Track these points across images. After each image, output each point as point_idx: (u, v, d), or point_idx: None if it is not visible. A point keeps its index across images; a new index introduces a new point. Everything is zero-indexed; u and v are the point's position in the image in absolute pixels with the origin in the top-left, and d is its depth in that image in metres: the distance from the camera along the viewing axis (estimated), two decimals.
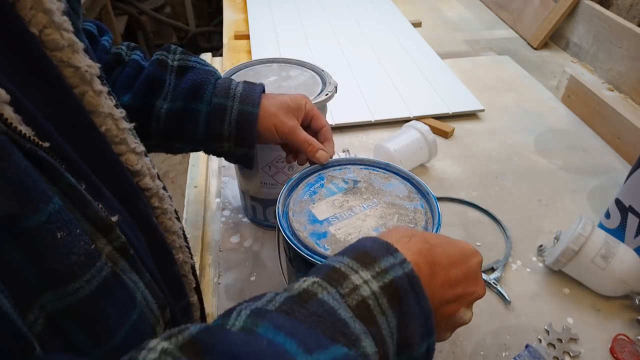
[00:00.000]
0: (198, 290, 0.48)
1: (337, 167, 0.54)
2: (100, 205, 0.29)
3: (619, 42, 1.06)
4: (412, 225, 0.45)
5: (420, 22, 1.42)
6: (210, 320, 0.60)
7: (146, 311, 0.33)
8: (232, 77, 0.65)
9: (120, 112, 0.35)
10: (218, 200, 0.79)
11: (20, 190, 0.23)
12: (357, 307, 0.29)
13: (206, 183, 0.83)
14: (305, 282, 0.31)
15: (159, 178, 0.41)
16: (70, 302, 0.26)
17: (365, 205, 0.48)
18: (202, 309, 0.50)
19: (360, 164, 0.54)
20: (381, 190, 0.50)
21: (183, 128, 0.53)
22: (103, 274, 0.28)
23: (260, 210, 0.71)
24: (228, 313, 0.29)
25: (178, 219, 0.44)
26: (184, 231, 0.46)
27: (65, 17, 0.31)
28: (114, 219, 0.30)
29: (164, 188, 0.42)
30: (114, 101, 0.36)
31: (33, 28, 0.29)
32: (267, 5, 1.44)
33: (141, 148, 0.38)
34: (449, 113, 0.97)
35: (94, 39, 0.53)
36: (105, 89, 0.34)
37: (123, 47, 0.55)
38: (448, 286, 0.35)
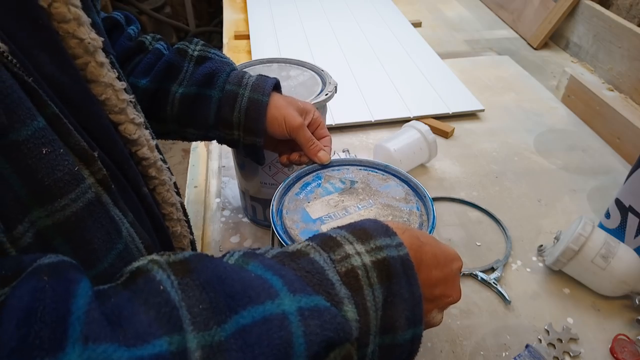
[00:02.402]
0: None
1: (336, 168, 0.54)
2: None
3: (619, 42, 1.06)
4: None
5: (420, 22, 1.42)
6: None
7: (132, 247, 0.34)
8: None
9: (121, 84, 0.37)
10: (218, 200, 0.79)
11: (8, 102, 0.25)
12: (345, 274, 0.30)
13: (206, 183, 0.83)
14: (300, 244, 0.32)
15: (159, 151, 0.43)
16: (59, 219, 0.28)
17: (360, 206, 0.48)
18: None
19: (359, 165, 0.54)
20: (378, 192, 0.50)
21: (195, 113, 0.54)
22: (88, 196, 0.30)
23: (260, 210, 0.71)
24: (222, 256, 0.31)
25: (178, 193, 0.45)
26: (183, 206, 0.47)
27: None
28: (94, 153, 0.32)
29: (164, 160, 0.44)
30: (117, 73, 0.38)
31: (42, 1, 0.31)
32: (267, 5, 1.44)
33: (140, 119, 0.40)
34: (449, 113, 0.97)
35: (120, 27, 0.56)
36: (107, 60, 0.36)
37: (148, 37, 0.57)
38: (428, 285, 0.35)
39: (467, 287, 0.64)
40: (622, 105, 0.91)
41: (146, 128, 0.41)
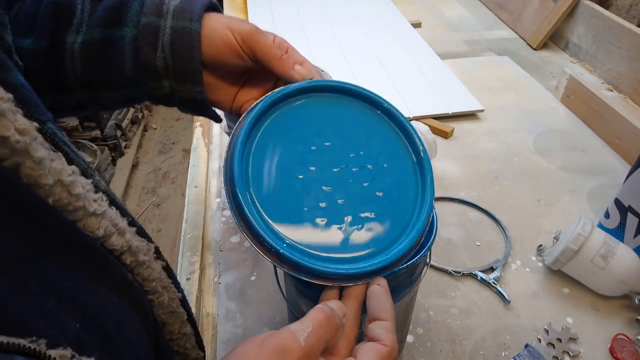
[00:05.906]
0: (191, 319, 0.42)
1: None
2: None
3: (618, 42, 1.06)
4: None
5: (420, 23, 1.42)
6: (209, 330, 0.60)
7: None
8: None
9: (71, 172, 0.27)
10: (218, 200, 0.79)
11: None
12: None
13: (206, 183, 0.83)
14: None
15: (130, 223, 0.32)
16: None
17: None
18: (197, 334, 0.43)
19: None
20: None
21: (107, 67, 0.40)
22: None
23: None
24: None
25: (158, 257, 0.36)
26: (167, 268, 0.38)
27: None
28: (68, 353, 0.22)
29: (139, 232, 0.33)
30: (62, 157, 0.27)
31: None
32: (267, 5, 1.44)
33: (103, 207, 0.29)
34: (448, 113, 0.97)
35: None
36: (46, 150, 0.25)
37: None
38: None
39: (467, 287, 0.64)
40: (622, 106, 0.91)
41: (111, 205, 0.31)
